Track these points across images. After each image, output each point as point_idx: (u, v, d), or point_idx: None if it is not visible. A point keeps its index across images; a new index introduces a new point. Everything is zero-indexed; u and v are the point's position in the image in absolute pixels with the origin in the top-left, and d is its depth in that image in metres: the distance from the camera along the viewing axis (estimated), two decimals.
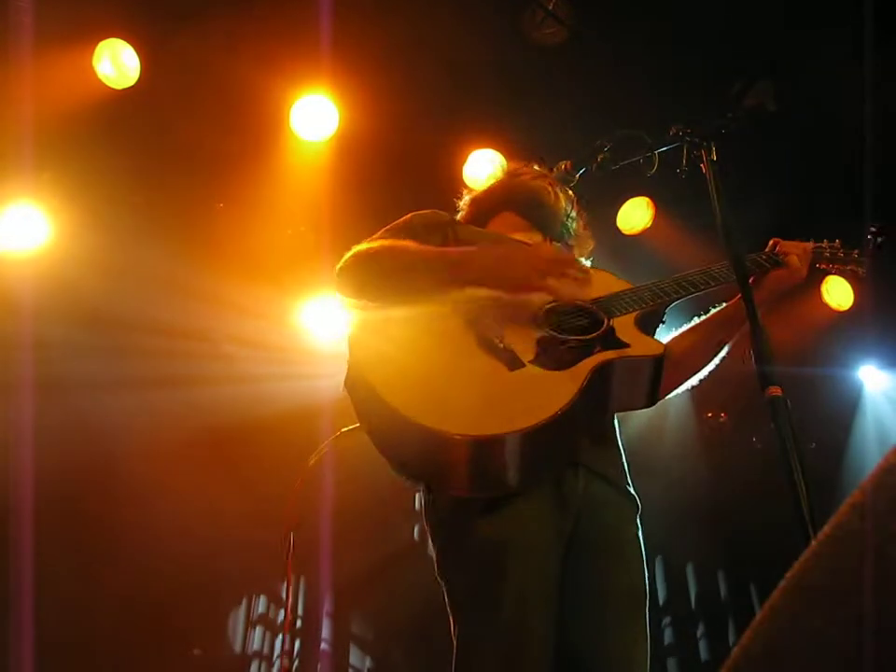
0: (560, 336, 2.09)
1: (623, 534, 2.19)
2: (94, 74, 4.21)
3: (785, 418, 1.65)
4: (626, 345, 2.10)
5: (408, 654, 5.52)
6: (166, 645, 5.05)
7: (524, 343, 2.06)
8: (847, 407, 5.87)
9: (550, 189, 2.64)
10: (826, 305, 5.39)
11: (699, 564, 6.17)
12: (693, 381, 2.48)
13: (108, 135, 4.42)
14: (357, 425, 2.09)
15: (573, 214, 2.69)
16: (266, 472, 5.16)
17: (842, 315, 5.38)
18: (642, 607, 2.14)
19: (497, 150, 4.66)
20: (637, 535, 2.22)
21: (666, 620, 5.98)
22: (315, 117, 4.50)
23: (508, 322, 2.10)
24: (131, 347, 4.98)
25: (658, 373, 2.13)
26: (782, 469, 1.58)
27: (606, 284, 2.32)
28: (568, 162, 2.52)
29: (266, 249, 4.88)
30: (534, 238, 2.60)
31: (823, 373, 5.55)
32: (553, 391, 1.95)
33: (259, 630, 5.55)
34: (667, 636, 6.01)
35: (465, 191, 2.84)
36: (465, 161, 4.67)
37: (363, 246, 2.31)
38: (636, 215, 5.05)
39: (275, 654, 5.53)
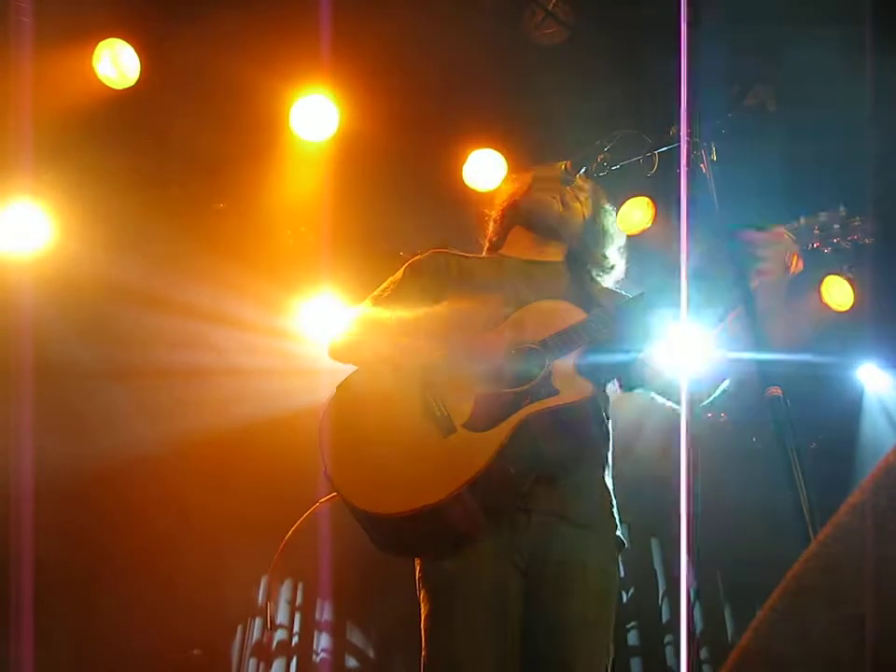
0: (493, 392, 2.17)
1: (578, 568, 2.21)
2: (94, 74, 4.21)
3: (785, 418, 1.65)
4: (555, 392, 2.15)
5: (407, 663, 5.51)
6: (166, 645, 5.04)
7: (463, 404, 2.16)
8: (847, 407, 5.87)
9: (555, 199, 2.64)
10: (826, 305, 5.39)
11: (698, 565, 6.16)
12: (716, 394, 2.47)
13: (109, 135, 4.42)
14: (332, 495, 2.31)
15: (595, 219, 2.71)
16: (266, 472, 5.16)
17: (842, 314, 5.38)
18: (599, 636, 2.18)
19: (497, 150, 4.66)
20: (595, 566, 2.24)
21: (666, 618, 5.98)
22: (315, 117, 4.50)
23: (459, 379, 2.19)
24: (131, 347, 4.98)
25: (589, 414, 2.22)
26: (782, 470, 1.58)
27: (562, 318, 2.34)
28: (568, 162, 2.52)
29: (266, 249, 4.88)
30: (551, 250, 2.65)
31: (823, 373, 5.54)
32: (471, 456, 2.06)
33: (258, 630, 5.55)
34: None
35: (489, 213, 2.87)
36: (465, 161, 4.67)
37: (353, 319, 2.54)
38: (636, 215, 5.05)
39: (274, 651, 5.53)
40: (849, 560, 0.85)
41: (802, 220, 2.38)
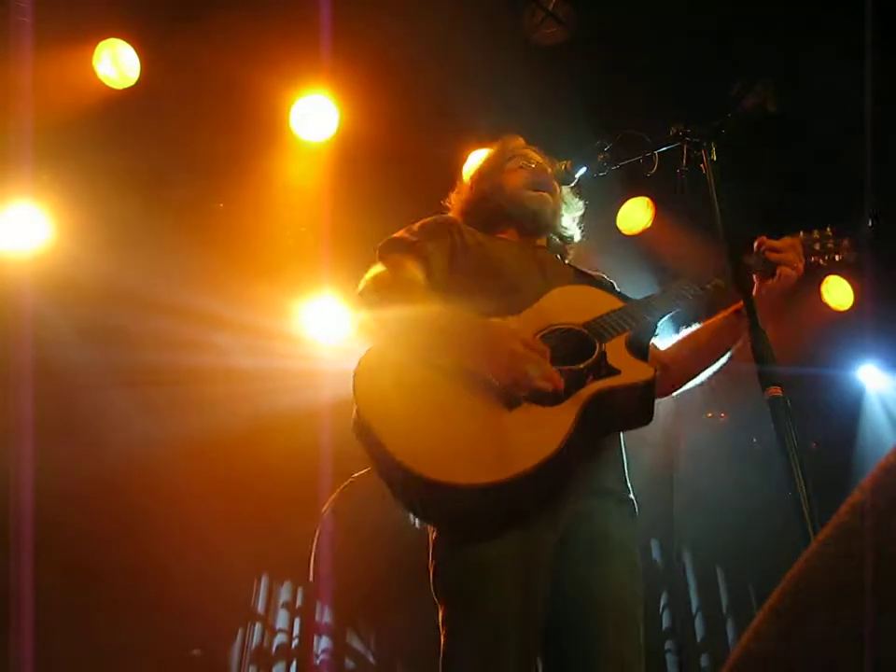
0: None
1: (611, 543, 2.21)
2: (94, 74, 4.22)
3: (785, 418, 1.65)
4: (617, 372, 2.13)
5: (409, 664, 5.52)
6: (166, 645, 5.04)
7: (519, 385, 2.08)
8: (847, 407, 5.87)
9: (547, 201, 2.64)
10: (826, 305, 5.39)
11: (698, 564, 6.17)
12: (698, 381, 2.50)
13: (108, 135, 4.42)
14: (367, 469, 2.12)
15: (565, 217, 2.73)
16: (265, 473, 5.16)
17: (842, 314, 5.38)
18: (632, 612, 2.17)
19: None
20: (629, 541, 2.24)
21: (666, 616, 5.98)
22: (315, 117, 4.51)
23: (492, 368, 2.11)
24: (131, 347, 4.98)
25: (650, 395, 2.15)
26: (782, 470, 1.58)
27: (599, 303, 2.33)
28: (568, 162, 2.53)
29: (266, 249, 4.89)
30: (538, 240, 2.65)
31: (823, 373, 5.54)
32: (549, 428, 2.00)
33: (258, 631, 5.55)
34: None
35: (462, 187, 2.84)
36: (464, 161, 4.66)
37: (374, 278, 2.36)
38: (636, 215, 5.05)
39: (274, 651, 5.53)
40: (849, 560, 0.85)
41: (801, 235, 2.49)
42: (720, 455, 5.82)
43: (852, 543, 0.85)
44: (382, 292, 2.30)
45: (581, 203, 2.80)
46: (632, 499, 2.31)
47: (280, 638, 5.54)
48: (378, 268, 2.39)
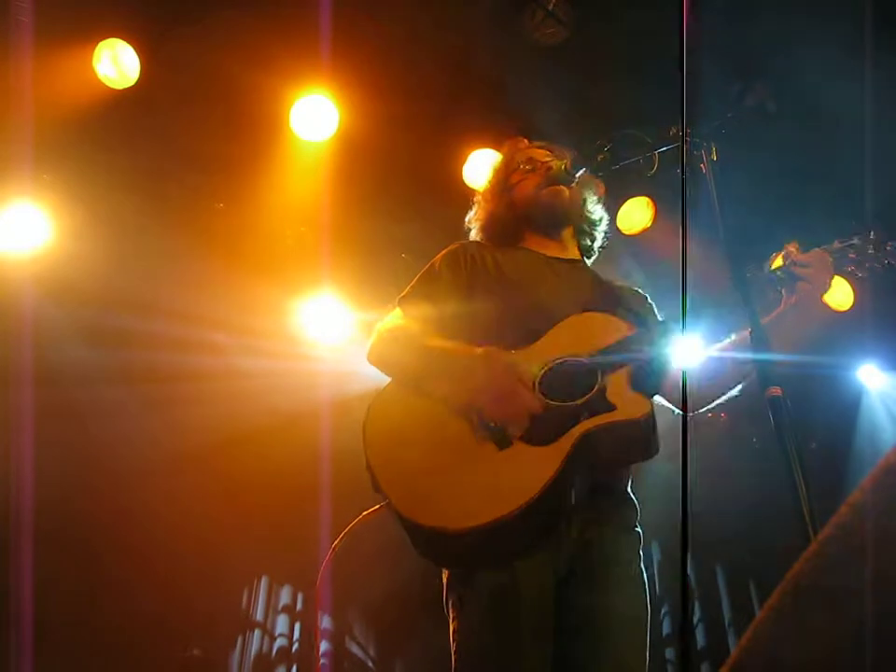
0: (549, 403, 2.14)
1: (617, 563, 2.22)
2: (94, 74, 4.21)
3: (785, 418, 1.65)
4: (612, 408, 2.13)
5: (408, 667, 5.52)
6: (166, 645, 5.04)
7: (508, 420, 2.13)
8: (847, 407, 5.87)
9: (560, 192, 2.59)
10: (826, 305, 5.39)
11: (698, 565, 6.17)
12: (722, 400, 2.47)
13: (108, 135, 4.42)
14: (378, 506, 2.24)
15: (588, 208, 2.69)
16: (265, 473, 5.16)
17: (842, 314, 5.38)
18: (637, 631, 2.18)
19: (497, 150, 4.66)
20: (634, 567, 2.25)
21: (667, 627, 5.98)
22: (315, 117, 4.50)
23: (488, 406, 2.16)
24: (131, 347, 4.98)
25: (647, 431, 2.17)
26: (782, 470, 1.58)
27: (610, 331, 2.31)
28: (568, 162, 2.53)
29: (266, 249, 4.88)
30: (567, 242, 2.65)
31: (823, 373, 5.54)
32: (536, 469, 2.04)
33: (258, 631, 5.55)
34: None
35: (476, 202, 2.83)
36: (465, 161, 4.66)
37: (387, 325, 2.43)
38: (636, 215, 5.05)
39: (273, 655, 5.53)
40: (849, 560, 0.85)
41: (837, 243, 2.34)
42: (720, 454, 5.82)
43: (852, 543, 0.85)
44: (388, 336, 2.39)
45: (600, 184, 2.76)
46: (639, 531, 2.31)
47: (280, 642, 5.55)
48: (394, 315, 2.46)
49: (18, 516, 4.48)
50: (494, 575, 2.09)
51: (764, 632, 0.89)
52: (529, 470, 2.04)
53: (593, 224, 2.72)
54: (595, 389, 2.15)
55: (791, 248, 2.30)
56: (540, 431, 2.09)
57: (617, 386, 2.17)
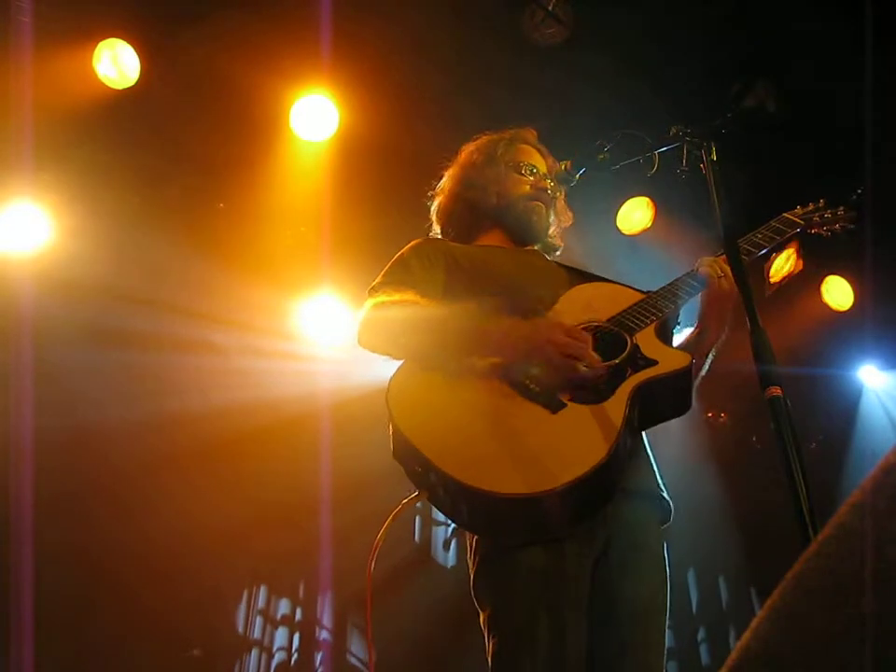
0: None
1: (645, 550, 2.20)
2: (94, 74, 4.21)
3: (785, 418, 1.64)
4: (654, 362, 2.09)
5: (409, 657, 5.51)
6: (166, 645, 5.04)
7: (556, 380, 2.03)
8: (847, 407, 5.87)
9: (542, 213, 2.62)
10: (826, 305, 5.39)
11: (698, 564, 6.17)
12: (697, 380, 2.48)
13: (108, 135, 4.42)
14: (416, 493, 2.02)
15: (550, 233, 2.70)
16: (265, 474, 5.16)
17: (842, 314, 5.38)
18: (662, 621, 2.17)
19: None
20: (659, 548, 2.23)
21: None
22: (315, 117, 4.51)
23: (534, 361, 2.07)
24: (131, 347, 4.98)
25: (688, 382, 2.12)
26: (782, 470, 1.57)
27: (616, 299, 2.30)
28: (568, 162, 2.52)
29: (266, 249, 4.88)
30: (528, 247, 2.64)
31: (823, 373, 5.54)
32: (598, 430, 1.95)
33: (258, 632, 5.55)
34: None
35: (435, 196, 2.81)
36: None
37: (374, 305, 2.29)
38: (636, 215, 5.05)
39: (273, 655, 5.53)
40: (850, 561, 0.85)
41: (799, 209, 2.55)
42: (720, 454, 5.83)
43: (852, 543, 0.85)
44: (378, 313, 2.26)
45: (570, 215, 2.78)
46: (667, 499, 2.28)
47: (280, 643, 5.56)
48: (367, 302, 2.33)
49: (18, 517, 4.48)
50: (530, 552, 2.00)
51: (764, 632, 0.89)
52: (593, 430, 1.94)
53: (549, 248, 2.73)
54: (629, 347, 2.11)
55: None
56: (589, 389, 2.02)
57: (649, 343, 2.14)
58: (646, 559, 2.19)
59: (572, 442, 1.94)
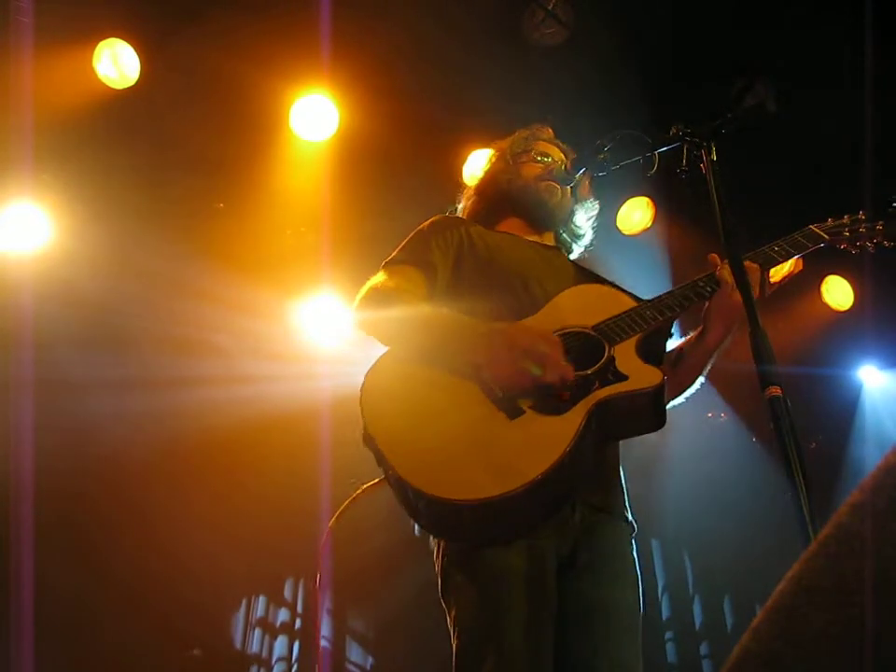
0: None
1: (618, 556, 2.21)
2: (94, 74, 4.22)
3: (785, 418, 1.64)
4: (624, 378, 2.07)
5: (408, 652, 5.51)
6: (166, 645, 5.04)
7: (518, 385, 2.03)
8: (847, 407, 5.87)
9: (556, 192, 2.62)
10: (826, 305, 5.39)
11: (698, 564, 6.17)
12: (691, 392, 2.47)
13: (108, 135, 4.42)
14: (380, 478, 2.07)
15: (575, 222, 2.72)
16: (265, 473, 5.16)
17: (842, 314, 5.38)
18: (635, 622, 2.17)
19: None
20: (631, 555, 2.25)
21: (666, 617, 5.99)
22: (315, 117, 4.51)
23: (502, 364, 2.07)
24: (131, 347, 4.98)
25: (659, 401, 2.10)
26: (782, 470, 1.58)
27: (612, 303, 2.29)
28: (568, 163, 2.53)
29: (266, 249, 4.88)
30: (545, 235, 2.65)
31: (823, 373, 5.55)
32: (551, 439, 1.95)
33: (258, 631, 5.55)
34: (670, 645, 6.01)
35: (466, 188, 2.85)
36: (465, 161, 4.66)
37: (375, 284, 2.33)
38: (636, 215, 5.05)
39: (274, 656, 5.52)
40: (850, 560, 0.85)
41: (830, 221, 2.41)
42: (719, 454, 5.83)
43: (852, 543, 0.85)
44: (380, 296, 2.29)
45: (595, 203, 2.78)
46: (633, 522, 2.30)
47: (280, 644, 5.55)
48: (380, 276, 2.37)
49: (18, 517, 4.47)
50: (495, 553, 2.03)
51: (764, 632, 0.89)
52: (542, 442, 1.95)
53: (574, 237, 2.75)
54: (604, 359, 2.10)
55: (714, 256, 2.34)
56: (551, 401, 2.01)
57: (626, 357, 2.12)
58: (616, 559, 2.20)
59: (518, 453, 1.95)
